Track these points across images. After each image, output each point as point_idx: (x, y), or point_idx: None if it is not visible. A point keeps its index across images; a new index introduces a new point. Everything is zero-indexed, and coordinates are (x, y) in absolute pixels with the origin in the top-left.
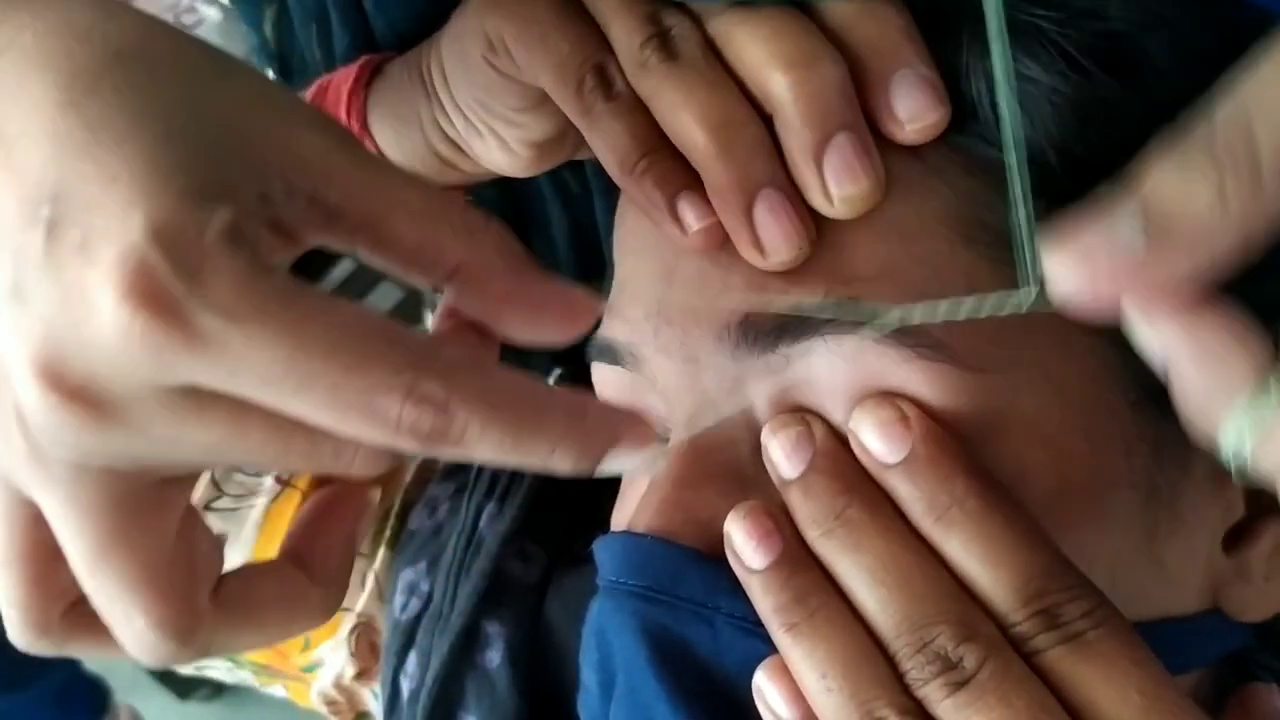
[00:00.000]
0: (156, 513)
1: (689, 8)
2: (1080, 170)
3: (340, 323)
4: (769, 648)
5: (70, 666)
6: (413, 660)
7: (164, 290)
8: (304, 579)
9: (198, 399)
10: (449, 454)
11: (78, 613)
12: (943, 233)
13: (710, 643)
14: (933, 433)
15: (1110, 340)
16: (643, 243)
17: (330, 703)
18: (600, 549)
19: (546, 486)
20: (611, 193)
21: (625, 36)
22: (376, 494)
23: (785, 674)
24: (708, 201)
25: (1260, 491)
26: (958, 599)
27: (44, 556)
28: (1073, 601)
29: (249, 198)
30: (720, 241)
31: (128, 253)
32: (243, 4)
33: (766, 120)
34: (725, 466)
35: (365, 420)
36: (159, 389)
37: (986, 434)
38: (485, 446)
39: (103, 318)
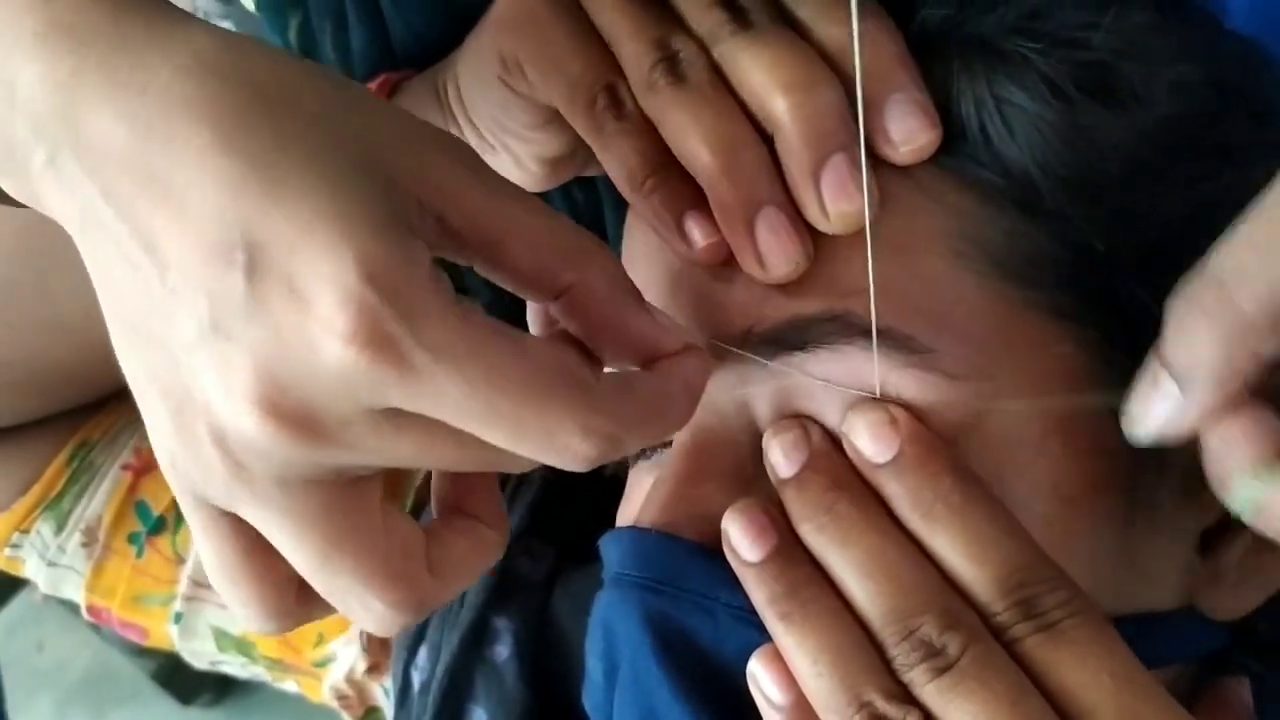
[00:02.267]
0: (361, 509)
1: (696, 33)
2: (1062, 188)
3: (531, 364)
4: (766, 637)
5: None
6: (423, 654)
7: (385, 331)
8: (480, 526)
9: (398, 418)
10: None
11: (306, 591)
12: (934, 248)
13: (711, 632)
14: (920, 434)
15: (1092, 350)
16: (650, 255)
17: (341, 697)
18: (606, 543)
19: (553, 487)
20: (621, 206)
21: (635, 59)
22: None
23: (779, 661)
24: (713, 219)
25: None
26: (942, 590)
27: (260, 557)
28: (1050, 593)
29: (421, 227)
30: (724, 256)
31: (346, 296)
32: (267, 12)
33: (768, 141)
34: (727, 466)
35: (544, 450)
36: (368, 411)
37: (971, 437)
38: (629, 450)
39: (327, 355)
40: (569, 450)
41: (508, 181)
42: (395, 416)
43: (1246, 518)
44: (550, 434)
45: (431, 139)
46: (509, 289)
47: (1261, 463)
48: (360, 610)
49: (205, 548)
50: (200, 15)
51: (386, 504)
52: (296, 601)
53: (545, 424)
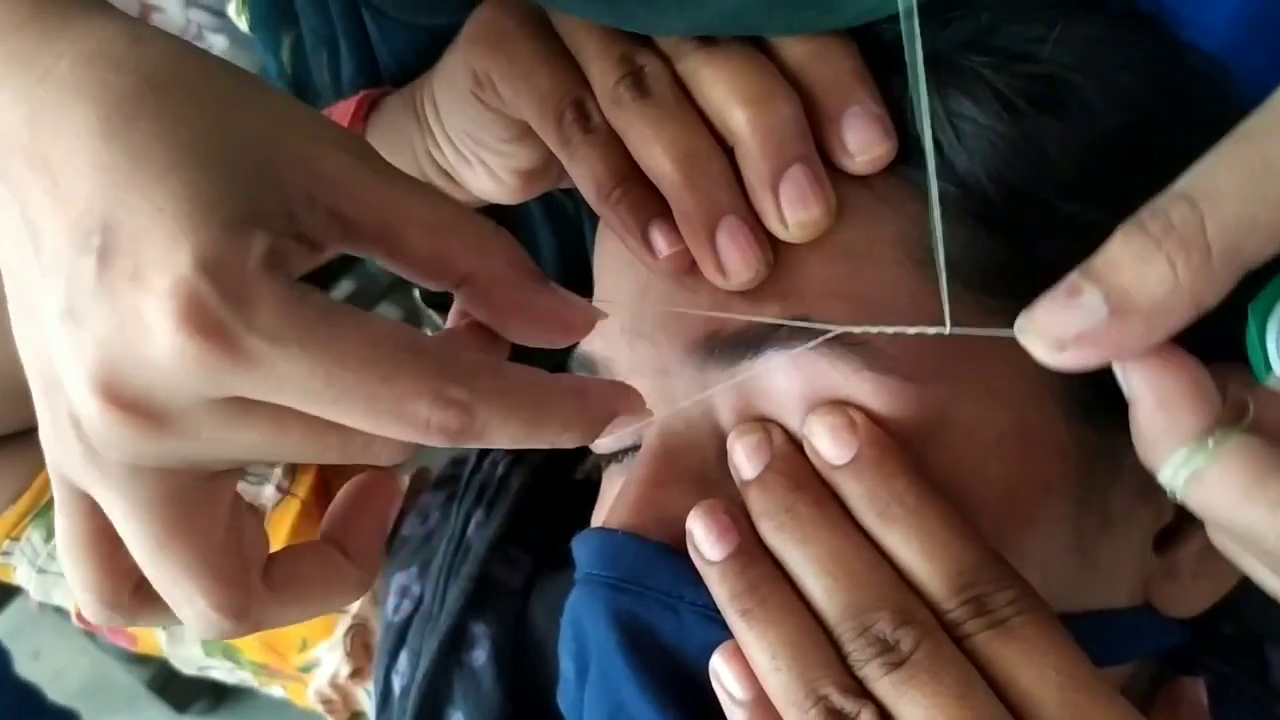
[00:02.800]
0: (207, 505)
1: (660, 49)
2: (1014, 198)
3: (372, 337)
4: (729, 635)
5: None
6: (404, 659)
7: (214, 318)
8: (342, 558)
9: (243, 406)
10: (471, 445)
11: (145, 590)
12: (891, 255)
13: (675, 629)
14: (877, 437)
15: None
16: (618, 264)
17: (326, 701)
18: (578, 544)
19: (531, 496)
20: (595, 217)
21: (601, 74)
22: (405, 480)
23: (739, 657)
24: (677, 229)
25: None
26: (896, 588)
27: (107, 543)
28: (1000, 591)
29: (279, 217)
30: (688, 265)
31: (178, 284)
32: (261, 31)
33: (729, 152)
34: (692, 469)
35: (398, 423)
36: (209, 400)
37: (927, 439)
38: (504, 437)
39: (159, 342)
40: (419, 419)
41: (404, 174)
42: (241, 406)
43: (1177, 490)
44: (400, 403)
45: (325, 133)
46: (409, 279)
47: (1203, 434)
48: (184, 605)
49: (59, 525)
50: (194, 28)
51: (242, 506)
52: (131, 596)
53: (398, 394)
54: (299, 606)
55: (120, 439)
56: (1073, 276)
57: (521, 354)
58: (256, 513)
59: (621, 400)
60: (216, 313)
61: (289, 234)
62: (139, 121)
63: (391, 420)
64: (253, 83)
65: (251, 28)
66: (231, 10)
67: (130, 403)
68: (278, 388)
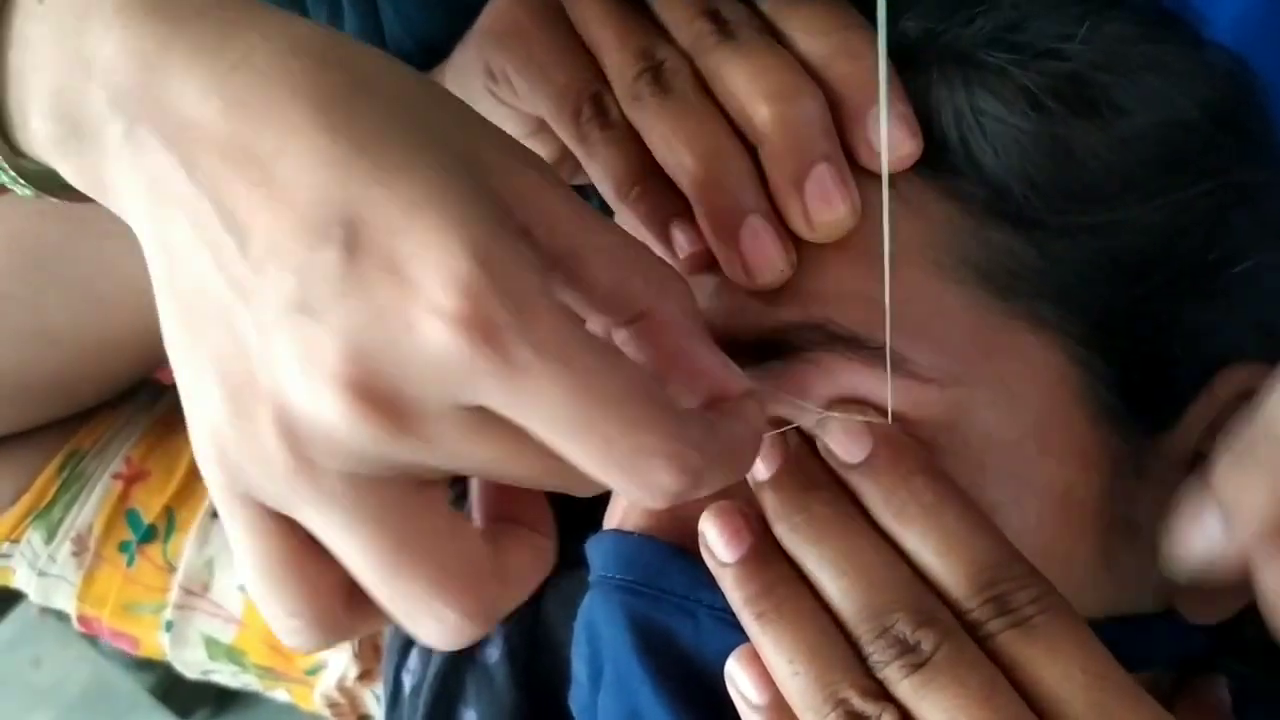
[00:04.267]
0: (430, 513)
1: (681, 44)
2: (1040, 197)
3: (627, 382)
4: (745, 639)
5: None
6: (414, 657)
7: (492, 320)
8: (535, 535)
9: (487, 421)
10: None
11: (357, 600)
12: (914, 258)
13: (692, 633)
14: (892, 435)
15: (1071, 358)
16: None
17: (333, 705)
18: (591, 547)
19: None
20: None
21: (620, 69)
22: None
23: (756, 661)
24: (698, 228)
25: None
26: (915, 588)
27: (311, 561)
28: (1021, 589)
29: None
30: (709, 264)
31: (455, 278)
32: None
33: (752, 151)
34: None
35: (625, 474)
36: (458, 407)
37: (947, 442)
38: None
39: (428, 338)
40: (652, 479)
41: (586, 203)
42: (487, 419)
43: None
44: (637, 459)
45: (516, 148)
46: (580, 310)
47: None
48: (430, 621)
49: (248, 550)
50: None
51: (453, 510)
52: (345, 611)
53: (635, 447)
54: (524, 592)
55: (355, 439)
56: (1198, 495)
57: None
58: (461, 514)
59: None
60: (495, 314)
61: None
62: (360, 116)
63: (620, 471)
64: (443, 90)
65: None
66: None
67: (378, 398)
68: (530, 405)
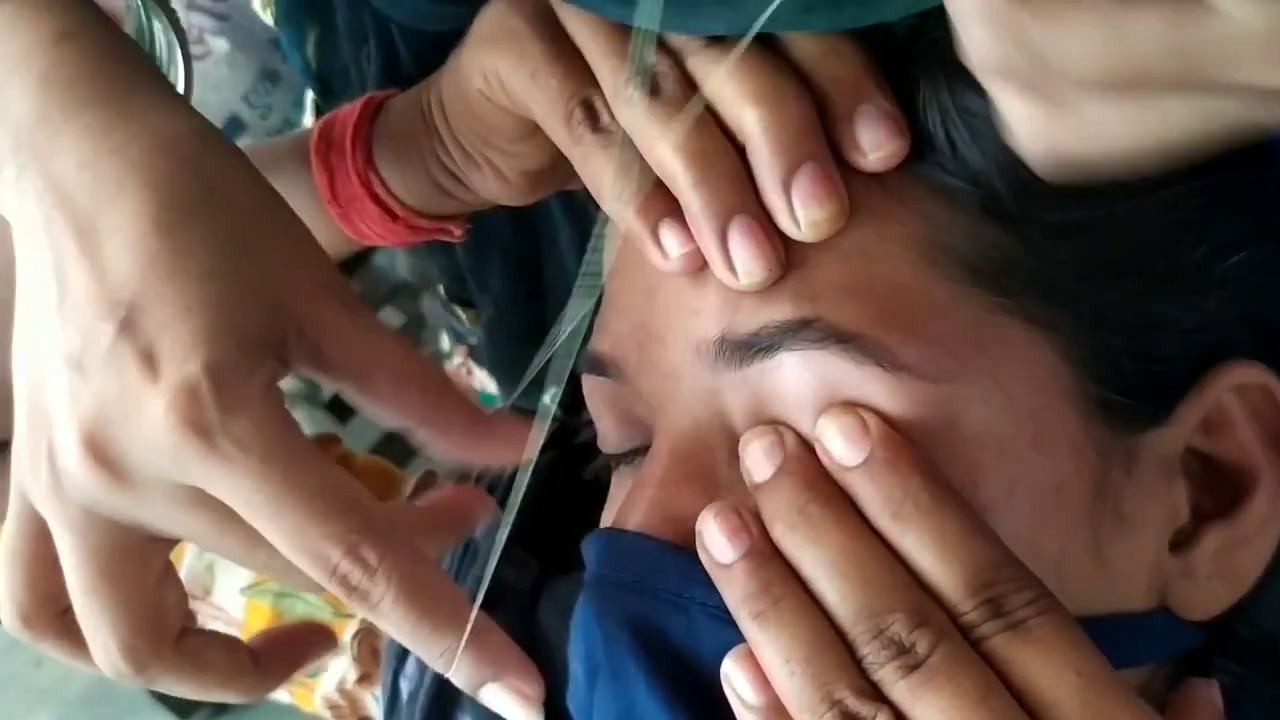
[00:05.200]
0: (142, 562)
1: (669, 47)
2: (1027, 194)
3: (325, 481)
4: (740, 636)
5: None
6: (412, 662)
7: (203, 415)
8: (248, 661)
9: (198, 497)
10: (359, 611)
11: (66, 621)
12: (903, 254)
13: (686, 631)
14: (889, 437)
15: (1061, 354)
16: (628, 262)
17: (333, 707)
18: (587, 546)
19: (539, 497)
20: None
21: (610, 73)
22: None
23: (752, 661)
24: (688, 229)
25: (1204, 497)
26: (911, 589)
27: (44, 565)
28: (1016, 592)
29: (277, 343)
30: (699, 265)
31: (185, 380)
32: (286, 26)
33: (740, 151)
34: (703, 470)
35: (309, 559)
36: (172, 481)
37: (940, 439)
38: (390, 620)
39: (152, 421)
40: (328, 561)
41: (382, 327)
42: (197, 496)
43: None
44: (319, 542)
45: (329, 276)
46: (374, 415)
47: None
48: (98, 640)
49: (6, 530)
50: (195, 32)
51: (172, 574)
52: (51, 620)
53: (318, 532)
54: (192, 684)
55: (87, 485)
56: None
57: (538, 344)
58: (180, 585)
59: (515, 672)
60: (207, 411)
61: (279, 358)
62: (192, 222)
63: (306, 555)
64: (284, 208)
65: (276, 22)
66: (257, 4)
67: (107, 459)
68: (231, 490)
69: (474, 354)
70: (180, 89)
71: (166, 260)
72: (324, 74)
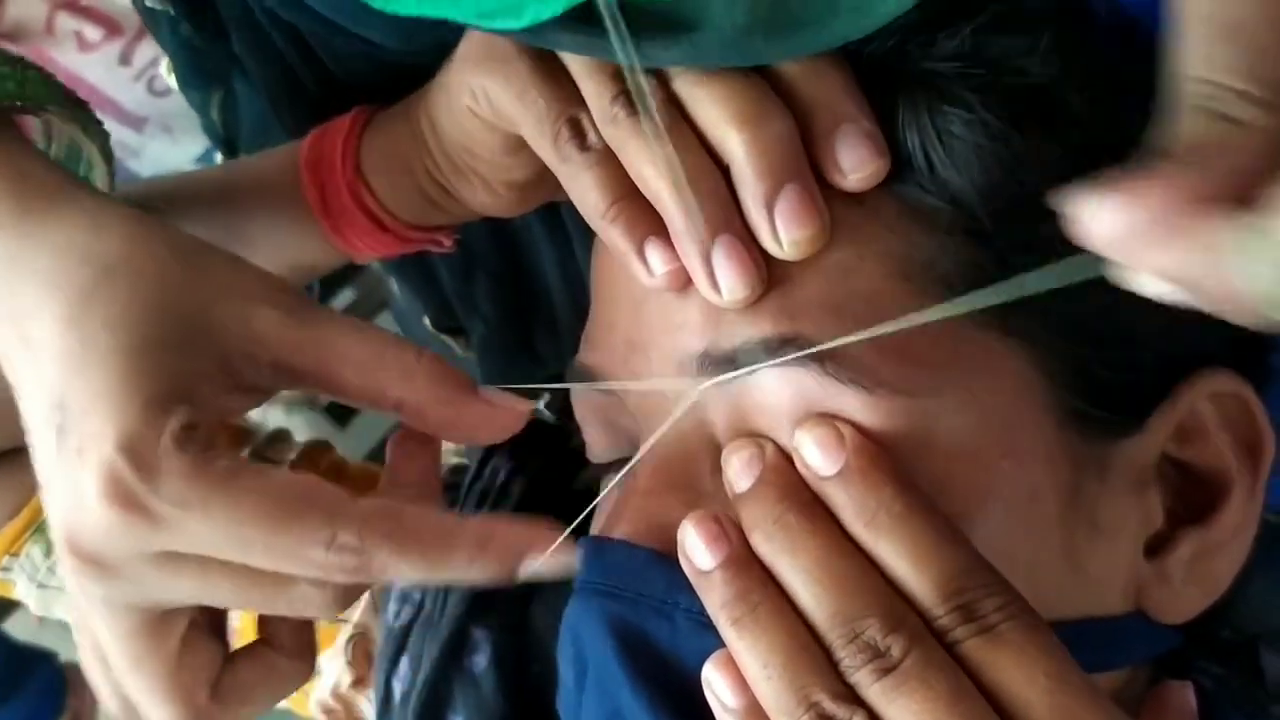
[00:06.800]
0: (164, 635)
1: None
2: (1003, 212)
3: (271, 492)
4: (721, 641)
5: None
6: (404, 664)
7: (129, 490)
8: (273, 655)
9: (174, 559)
10: (379, 580)
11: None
12: (882, 272)
13: (669, 635)
14: (865, 448)
15: (1035, 366)
16: (615, 277)
17: (328, 711)
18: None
19: (531, 504)
20: (590, 232)
21: (596, 92)
22: (341, 638)
23: (731, 666)
24: (672, 247)
25: (1178, 503)
26: (885, 595)
27: (171, 659)
28: (988, 597)
29: (208, 381)
30: (683, 283)
31: (104, 462)
32: (189, 90)
33: (724, 171)
34: (687, 479)
35: (299, 565)
36: (144, 555)
37: (915, 450)
38: (405, 572)
39: (92, 510)
40: (316, 561)
41: (333, 318)
42: (172, 558)
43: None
44: (297, 549)
45: (260, 292)
46: (350, 405)
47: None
48: (150, 715)
49: (119, 651)
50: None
51: (198, 632)
52: (208, 699)
53: (290, 541)
54: (248, 708)
55: (85, 584)
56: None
57: (529, 359)
58: (208, 636)
59: (533, 538)
60: (131, 485)
61: (228, 390)
62: (93, 309)
63: (293, 563)
64: (199, 255)
65: (180, 87)
66: (163, 69)
67: (84, 555)
68: (192, 542)
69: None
70: (100, 184)
71: (77, 354)
72: (230, 135)
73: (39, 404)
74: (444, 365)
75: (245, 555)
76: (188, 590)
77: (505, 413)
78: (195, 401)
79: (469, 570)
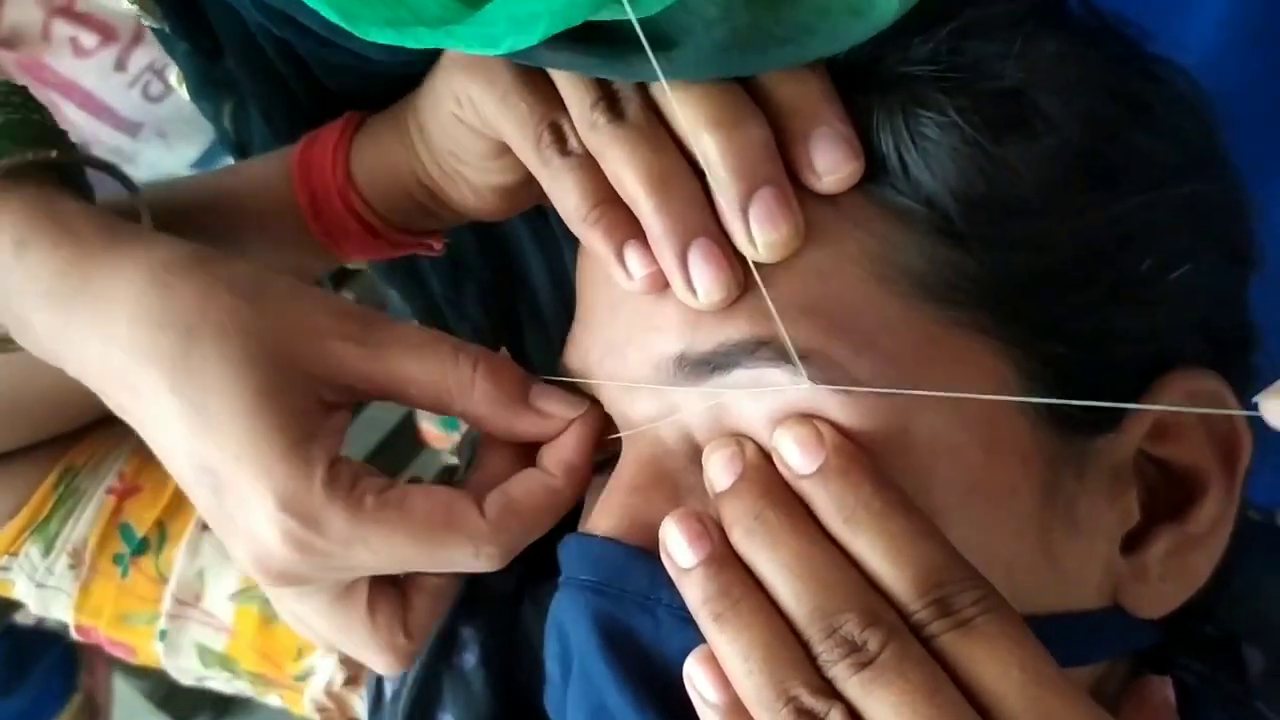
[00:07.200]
0: (353, 602)
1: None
2: (978, 214)
3: (415, 521)
4: (703, 636)
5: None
6: None
7: (301, 539)
8: (432, 580)
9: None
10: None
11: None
12: (857, 273)
13: (652, 631)
14: (842, 446)
15: (1011, 364)
16: (596, 280)
17: (322, 710)
18: (562, 549)
19: None
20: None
21: (577, 98)
22: None
23: (713, 662)
24: (651, 251)
25: (1155, 499)
26: (863, 591)
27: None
28: (964, 592)
29: (317, 412)
30: (661, 286)
31: (273, 520)
32: (201, 101)
33: (701, 175)
34: (668, 478)
35: (454, 569)
36: (339, 569)
37: (893, 448)
38: (541, 534)
39: (273, 554)
40: (468, 565)
41: (398, 339)
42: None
43: None
44: (453, 563)
45: (325, 327)
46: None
47: None
48: (368, 665)
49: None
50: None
51: (377, 587)
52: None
53: (444, 558)
54: (424, 628)
55: (281, 592)
56: None
57: (520, 363)
58: (386, 585)
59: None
60: (302, 536)
61: (329, 416)
62: (190, 378)
63: (449, 568)
64: (262, 294)
65: (191, 97)
66: (173, 79)
67: (277, 577)
68: (361, 564)
69: None
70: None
71: (194, 419)
72: (242, 143)
73: (179, 466)
74: (499, 374)
75: (405, 569)
76: (363, 572)
77: (555, 421)
78: (319, 437)
79: (557, 513)
